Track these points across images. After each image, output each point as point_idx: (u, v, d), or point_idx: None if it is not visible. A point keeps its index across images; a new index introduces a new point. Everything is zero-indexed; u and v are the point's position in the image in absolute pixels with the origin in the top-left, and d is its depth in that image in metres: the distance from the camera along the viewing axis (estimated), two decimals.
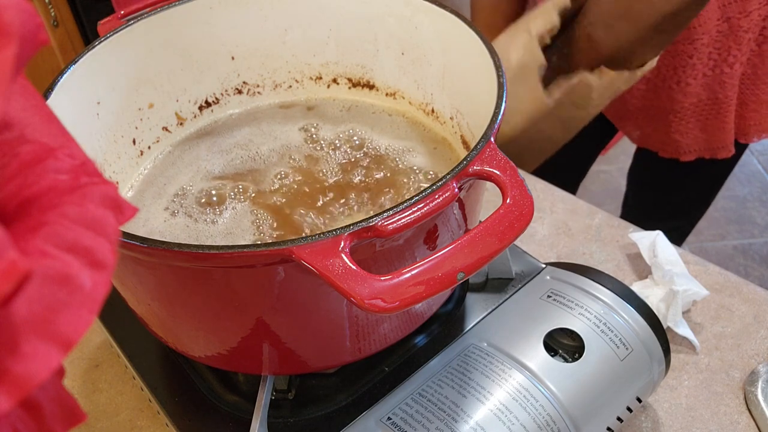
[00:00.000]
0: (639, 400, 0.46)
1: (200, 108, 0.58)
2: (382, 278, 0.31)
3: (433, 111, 0.56)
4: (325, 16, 0.57)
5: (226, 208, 0.49)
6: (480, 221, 0.34)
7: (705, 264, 0.63)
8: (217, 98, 0.59)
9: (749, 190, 1.85)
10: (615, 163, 1.85)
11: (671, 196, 0.95)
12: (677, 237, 0.99)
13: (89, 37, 1.56)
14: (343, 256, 0.31)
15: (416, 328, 0.45)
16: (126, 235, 0.33)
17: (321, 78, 0.60)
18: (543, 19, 0.66)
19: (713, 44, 0.74)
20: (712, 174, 0.91)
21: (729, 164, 0.89)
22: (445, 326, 0.49)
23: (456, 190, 0.34)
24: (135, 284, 0.39)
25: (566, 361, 0.45)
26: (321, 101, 0.61)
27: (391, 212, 0.32)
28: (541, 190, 0.73)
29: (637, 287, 0.59)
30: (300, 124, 0.58)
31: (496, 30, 0.74)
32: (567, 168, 1.02)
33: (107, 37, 0.48)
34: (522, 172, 0.55)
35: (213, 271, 0.35)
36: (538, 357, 0.44)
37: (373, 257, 0.35)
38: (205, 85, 0.58)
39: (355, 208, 0.49)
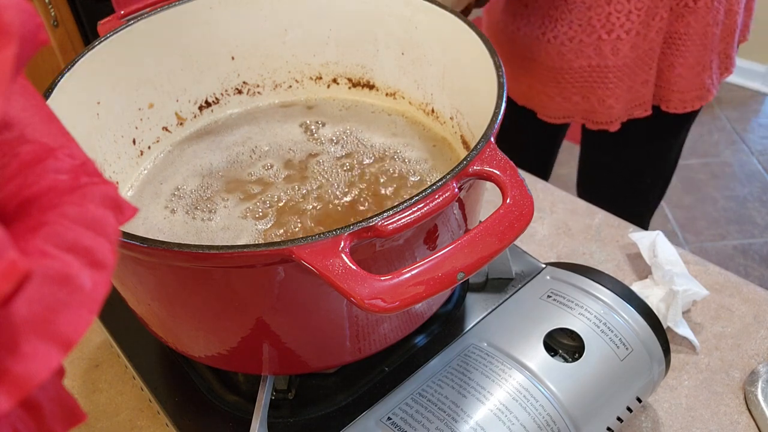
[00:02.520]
0: (639, 400, 0.46)
1: (200, 108, 0.58)
2: (382, 278, 0.31)
3: (433, 111, 0.56)
4: (325, 16, 0.57)
5: (222, 205, 0.49)
6: (480, 221, 0.34)
7: (705, 264, 0.63)
8: (217, 98, 0.59)
9: (749, 190, 1.85)
10: None
11: (621, 187, 0.95)
12: (643, 223, 0.99)
13: (89, 37, 1.56)
14: (343, 256, 0.31)
15: (416, 328, 0.45)
16: (126, 235, 0.33)
17: (321, 78, 0.60)
18: None
19: None
20: (654, 153, 0.91)
21: (668, 142, 0.89)
22: (445, 326, 0.49)
23: (456, 190, 0.34)
24: (135, 284, 0.39)
25: (566, 361, 0.45)
26: (321, 101, 0.61)
27: (391, 212, 0.32)
28: (541, 190, 0.73)
29: (637, 287, 0.59)
30: (299, 121, 0.58)
31: None
32: (535, 150, 1.02)
33: (107, 37, 0.48)
34: (522, 172, 0.55)
35: (213, 271, 0.35)
36: (538, 357, 0.44)
37: (373, 257, 0.35)
38: (205, 85, 0.58)
39: (354, 202, 0.49)
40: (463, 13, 0.73)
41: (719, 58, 0.82)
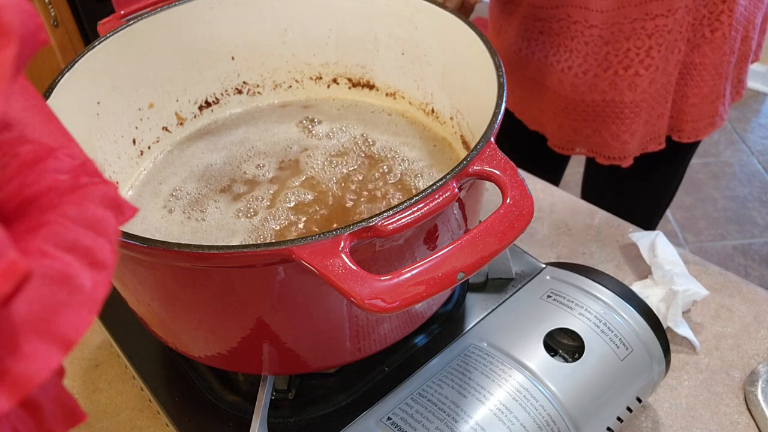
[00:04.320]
0: (639, 400, 0.46)
1: (200, 108, 0.58)
2: (382, 278, 0.31)
3: (433, 111, 0.56)
4: (325, 16, 0.57)
5: (216, 206, 0.49)
6: (480, 221, 0.34)
7: (705, 264, 0.63)
8: (217, 98, 0.59)
9: (749, 190, 1.85)
10: None
11: (625, 201, 0.94)
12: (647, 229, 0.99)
13: (89, 37, 1.56)
14: (343, 256, 0.31)
15: (416, 328, 0.45)
16: (126, 235, 0.33)
17: (321, 78, 0.60)
18: None
19: (666, 28, 0.71)
20: (661, 175, 0.90)
21: (675, 166, 0.88)
22: (445, 326, 0.49)
23: (456, 190, 0.34)
24: (135, 284, 0.39)
25: (566, 361, 0.45)
26: (321, 101, 0.61)
27: (391, 212, 0.32)
28: (541, 190, 0.73)
29: (637, 287, 0.59)
30: (297, 120, 0.58)
31: None
32: (543, 171, 1.01)
33: (107, 37, 0.48)
34: (522, 172, 0.55)
35: (213, 271, 0.35)
36: (538, 357, 0.44)
37: (373, 257, 0.35)
38: (205, 85, 0.58)
39: (350, 200, 0.49)
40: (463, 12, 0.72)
41: (732, 84, 0.80)
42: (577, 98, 0.78)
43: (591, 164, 0.96)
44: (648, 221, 0.97)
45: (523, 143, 0.94)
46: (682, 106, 0.78)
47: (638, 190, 0.92)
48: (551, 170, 1.01)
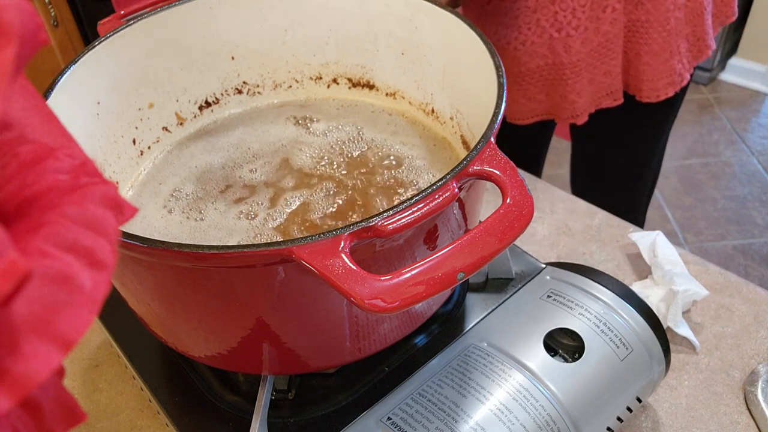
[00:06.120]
0: (639, 400, 0.46)
1: (200, 108, 0.58)
2: (382, 278, 0.31)
3: (433, 111, 0.56)
4: (325, 16, 0.57)
5: (215, 206, 0.49)
6: (480, 221, 0.34)
7: (705, 264, 0.63)
8: (217, 98, 0.59)
9: (749, 190, 1.85)
10: None
11: (609, 180, 0.96)
12: (638, 219, 1.00)
13: (89, 37, 1.56)
14: (343, 256, 0.31)
15: (416, 328, 0.45)
16: (126, 235, 0.33)
17: (321, 78, 0.60)
18: None
19: None
20: (638, 144, 0.91)
21: (650, 132, 0.89)
22: (445, 326, 0.49)
23: (456, 190, 0.34)
24: (135, 284, 0.39)
25: (566, 361, 0.45)
26: (320, 101, 0.61)
27: (391, 212, 0.32)
28: (541, 190, 0.73)
29: (637, 287, 0.59)
30: (297, 121, 0.58)
31: None
32: (519, 153, 1.02)
33: (107, 37, 0.48)
34: (522, 172, 0.55)
35: (213, 271, 0.35)
36: (538, 357, 0.44)
37: (373, 257, 0.35)
38: (205, 85, 0.58)
39: (350, 201, 0.49)
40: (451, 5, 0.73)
41: (688, 41, 0.81)
42: (522, 69, 0.80)
43: (575, 155, 0.98)
44: (635, 200, 0.99)
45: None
46: (637, 65, 0.79)
47: (619, 163, 0.93)
48: (528, 152, 1.02)
